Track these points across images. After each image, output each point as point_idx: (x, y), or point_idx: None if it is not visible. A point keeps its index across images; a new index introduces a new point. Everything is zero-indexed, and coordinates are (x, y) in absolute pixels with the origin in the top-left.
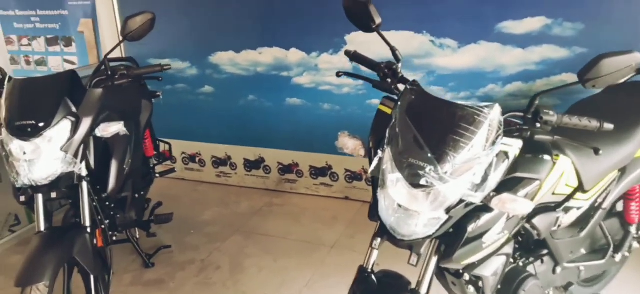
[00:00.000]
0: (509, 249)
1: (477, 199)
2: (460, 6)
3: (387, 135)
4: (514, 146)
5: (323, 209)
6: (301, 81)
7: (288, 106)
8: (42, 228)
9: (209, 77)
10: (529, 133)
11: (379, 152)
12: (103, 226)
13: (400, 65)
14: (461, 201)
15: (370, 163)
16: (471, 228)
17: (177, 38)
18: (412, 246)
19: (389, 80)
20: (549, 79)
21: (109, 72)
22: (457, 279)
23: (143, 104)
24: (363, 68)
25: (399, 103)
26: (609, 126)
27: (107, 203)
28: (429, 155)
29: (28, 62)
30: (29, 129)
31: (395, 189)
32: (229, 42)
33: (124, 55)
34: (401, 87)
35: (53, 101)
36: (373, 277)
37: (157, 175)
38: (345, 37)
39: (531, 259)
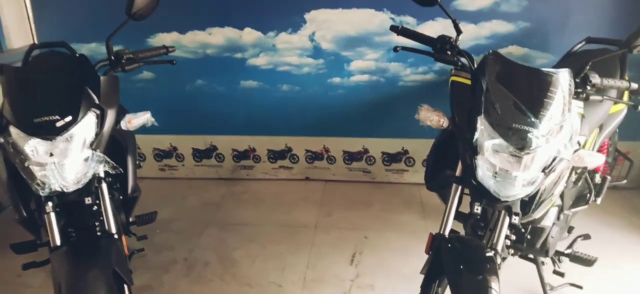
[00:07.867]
0: (559, 201)
1: (569, 155)
2: None
3: (482, 102)
4: (578, 108)
5: (288, 192)
6: (257, 62)
7: (243, 90)
8: (58, 243)
9: None
10: (584, 95)
11: (479, 119)
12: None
13: (459, 37)
14: (554, 160)
15: (461, 134)
16: (546, 183)
17: (106, 16)
18: (510, 206)
19: (449, 52)
20: None
21: (113, 57)
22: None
23: None
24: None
25: (486, 72)
26: (634, 85)
27: None
28: (532, 119)
29: None
30: (51, 127)
31: (497, 155)
32: (173, 22)
33: (36, 41)
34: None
35: (74, 90)
36: (456, 243)
37: None
38: (305, 15)
39: None
